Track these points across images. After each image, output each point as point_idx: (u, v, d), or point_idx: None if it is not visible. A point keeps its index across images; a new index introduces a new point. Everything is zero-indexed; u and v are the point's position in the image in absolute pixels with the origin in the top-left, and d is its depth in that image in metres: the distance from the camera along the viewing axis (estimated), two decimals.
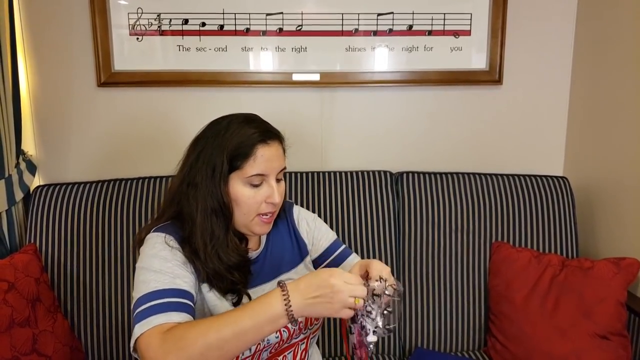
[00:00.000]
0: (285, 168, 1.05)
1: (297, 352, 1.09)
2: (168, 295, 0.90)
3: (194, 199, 0.99)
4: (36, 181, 1.68)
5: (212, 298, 0.99)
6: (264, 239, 1.13)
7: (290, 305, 0.83)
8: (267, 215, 1.03)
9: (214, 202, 0.99)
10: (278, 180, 1.03)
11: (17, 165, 1.56)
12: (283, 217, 1.17)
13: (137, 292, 0.91)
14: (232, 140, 0.99)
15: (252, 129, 1.00)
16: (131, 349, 0.89)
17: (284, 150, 1.07)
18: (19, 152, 1.58)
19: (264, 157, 0.99)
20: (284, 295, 0.84)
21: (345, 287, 0.83)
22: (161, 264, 0.94)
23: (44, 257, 1.51)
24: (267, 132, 1.01)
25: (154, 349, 0.82)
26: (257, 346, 0.99)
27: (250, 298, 1.00)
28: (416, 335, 1.60)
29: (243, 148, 0.98)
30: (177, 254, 0.97)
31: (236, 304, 0.99)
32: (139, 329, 0.86)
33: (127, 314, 1.51)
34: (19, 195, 1.55)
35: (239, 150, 0.98)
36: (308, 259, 1.18)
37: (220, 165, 0.98)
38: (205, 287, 0.99)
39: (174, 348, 0.81)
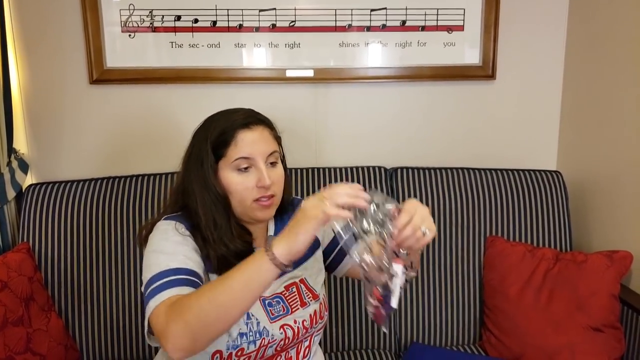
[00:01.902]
0: (277, 152, 1.04)
1: (301, 349, 1.09)
2: (181, 273, 0.91)
3: (192, 193, 1.01)
4: (28, 179, 1.67)
5: None
6: (272, 232, 1.11)
7: (272, 247, 0.83)
8: (264, 199, 1.01)
9: (209, 193, 1.00)
10: (273, 164, 1.03)
11: (9, 163, 1.55)
12: (291, 212, 1.14)
13: (149, 272, 0.92)
14: (215, 130, 1.00)
15: (231, 117, 1.02)
16: (145, 331, 0.90)
17: (277, 136, 1.06)
18: (11, 150, 1.56)
19: (245, 141, 0.99)
20: (266, 246, 0.84)
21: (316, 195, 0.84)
22: (173, 247, 0.96)
23: (37, 256, 1.50)
24: (248, 117, 1.02)
25: (161, 321, 0.84)
26: (262, 341, 0.99)
27: None
28: (412, 330, 1.61)
29: (224, 135, 1.00)
30: (188, 240, 0.98)
31: None
32: (153, 304, 0.87)
33: (121, 312, 1.51)
34: (11, 194, 1.54)
35: (221, 138, 1.00)
36: (319, 253, 1.17)
37: (206, 157, 1.00)
38: (213, 277, 0.99)
39: (174, 315, 0.82)
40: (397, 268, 0.85)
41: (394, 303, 0.85)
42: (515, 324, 1.50)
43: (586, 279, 1.45)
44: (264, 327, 1.00)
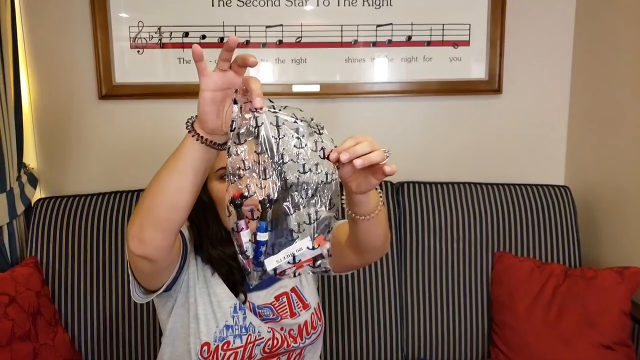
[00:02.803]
0: None
1: (292, 356, 1.09)
2: None
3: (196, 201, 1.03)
4: (37, 194, 1.68)
5: (219, 293, 1.03)
6: None
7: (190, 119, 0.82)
8: None
9: (199, 204, 1.00)
10: None
11: (19, 178, 1.56)
12: None
13: None
14: None
15: None
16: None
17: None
18: (21, 165, 1.58)
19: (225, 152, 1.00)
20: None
21: None
22: None
23: (44, 270, 1.50)
24: None
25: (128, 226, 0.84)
26: (248, 337, 1.01)
27: (245, 296, 1.04)
28: (418, 345, 1.59)
29: None
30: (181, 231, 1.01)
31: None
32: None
33: (127, 327, 1.51)
34: (20, 208, 1.55)
35: None
36: None
37: None
38: (215, 280, 1.03)
39: (134, 214, 0.83)
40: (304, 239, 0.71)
41: (269, 264, 0.72)
42: (524, 341, 1.48)
43: (596, 295, 1.43)
44: (251, 322, 1.02)
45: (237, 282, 1.05)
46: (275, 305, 1.08)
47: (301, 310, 1.09)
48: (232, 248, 0.95)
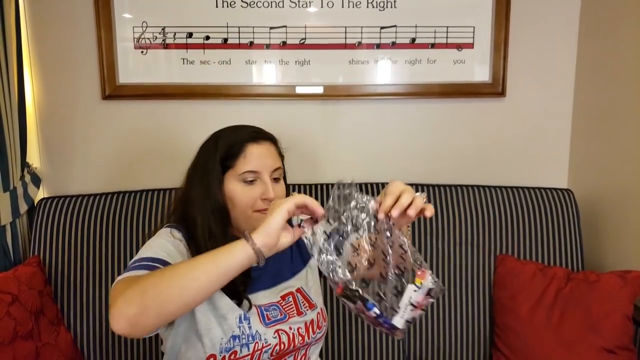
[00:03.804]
0: (280, 168, 1.08)
1: (298, 357, 1.09)
2: (156, 262, 0.91)
3: (193, 202, 1.04)
4: (40, 193, 1.68)
5: (219, 299, 1.00)
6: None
7: (249, 234, 0.83)
8: (264, 210, 1.03)
9: (210, 202, 1.03)
10: (276, 180, 1.07)
11: (22, 177, 1.57)
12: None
13: (128, 265, 0.93)
14: (224, 143, 1.05)
15: (240, 132, 1.07)
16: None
17: (281, 153, 1.10)
18: (24, 164, 1.58)
19: (254, 155, 1.03)
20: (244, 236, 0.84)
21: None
22: (160, 245, 0.98)
23: (47, 270, 1.51)
24: (256, 133, 1.07)
25: (118, 287, 0.82)
26: (255, 345, 1.00)
27: (250, 303, 1.02)
28: (421, 348, 1.59)
29: (234, 147, 1.04)
30: (179, 245, 1.00)
31: (239, 306, 1.02)
32: (117, 279, 0.86)
33: None
34: (23, 207, 1.55)
35: (231, 151, 1.04)
36: (313, 262, 1.18)
37: (214, 168, 1.03)
38: None
39: (133, 283, 0.80)
40: (410, 287, 0.79)
41: (399, 323, 0.80)
42: (526, 344, 1.48)
43: (599, 299, 1.43)
44: (257, 330, 1.01)
45: (239, 289, 1.02)
46: (282, 304, 1.08)
47: (307, 310, 1.10)
48: None
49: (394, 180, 0.87)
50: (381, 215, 0.82)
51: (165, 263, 0.92)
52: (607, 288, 1.43)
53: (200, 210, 1.03)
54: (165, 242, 0.99)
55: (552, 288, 1.50)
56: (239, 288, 1.02)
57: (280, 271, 1.13)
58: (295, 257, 1.17)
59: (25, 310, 1.32)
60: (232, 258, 0.81)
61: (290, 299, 1.10)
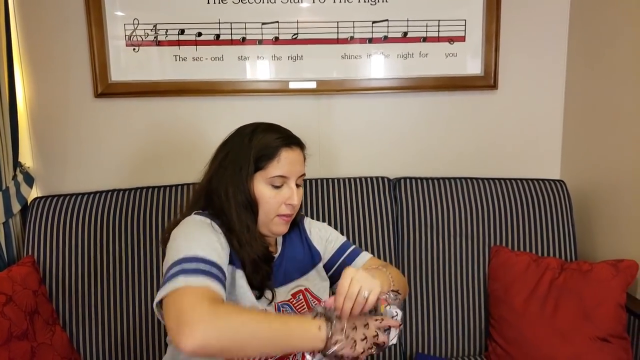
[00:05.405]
0: (304, 175, 1.11)
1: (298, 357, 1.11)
2: (212, 265, 0.92)
3: (225, 195, 1.05)
4: (33, 193, 1.67)
5: (243, 285, 1.02)
6: (280, 244, 1.16)
7: (332, 331, 0.87)
8: (286, 216, 1.08)
9: (243, 197, 1.04)
10: (298, 186, 1.09)
11: (15, 177, 1.56)
12: (295, 227, 1.20)
13: (179, 253, 0.92)
14: (258, 143, 1.05)
15: (276, 134, 1.08)
16: (156, 302, 0.88)
17: (305, 159, 1.12)
18: (16, 164, 1.57)
19: (287, 160, 1.05)
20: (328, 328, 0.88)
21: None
22: (209, 242, 0.97)
23: (42, 269, 1.50)
24: (290, 138, 1.09)
25: (201, 311, 0.82)
26: None
27: (273, 294, 1.05)
28: (417, 341, 1.60)
29: (268, 150, 1.05)
30: (220, 238, 1.00)
31: (257, 298, 1.03)
32: (183, 280, 0.86)
33: (126, 325, 1.51)
34: (16, 207, 1.54)
35: (264, 152, 1.05)
36: (320, 266, 1.20)
37: (247, 164, 1.04)
38: (239, 273, 1.02)
39: (212, 316, 0.82)
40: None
41: (393, 340, 0.97)
42: (521, 334, 1.49)
43: (592, 288, 1.45)
44: None
45: (264, 280, 1.04)
46: (294, 303, 1.10)
47: (316, 305, 1.10)
48: (264, 250, 1.05)
49: (348, 268, 0.94)
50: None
51: (220, 269, 0.93)
52: (600, 277, 1.45)
53: (234, 204, 1.04)
54: (211, 238, 0.98)
55: (545, 278, 1.52)
56: (266, 282, 1.05)
57: (292, 270, 1.15)
58: (306, 258, 1.19)
59: (20, 310, 1.31)
60: (302, 344, 0.87)
61: (301, 296, 1.12)
